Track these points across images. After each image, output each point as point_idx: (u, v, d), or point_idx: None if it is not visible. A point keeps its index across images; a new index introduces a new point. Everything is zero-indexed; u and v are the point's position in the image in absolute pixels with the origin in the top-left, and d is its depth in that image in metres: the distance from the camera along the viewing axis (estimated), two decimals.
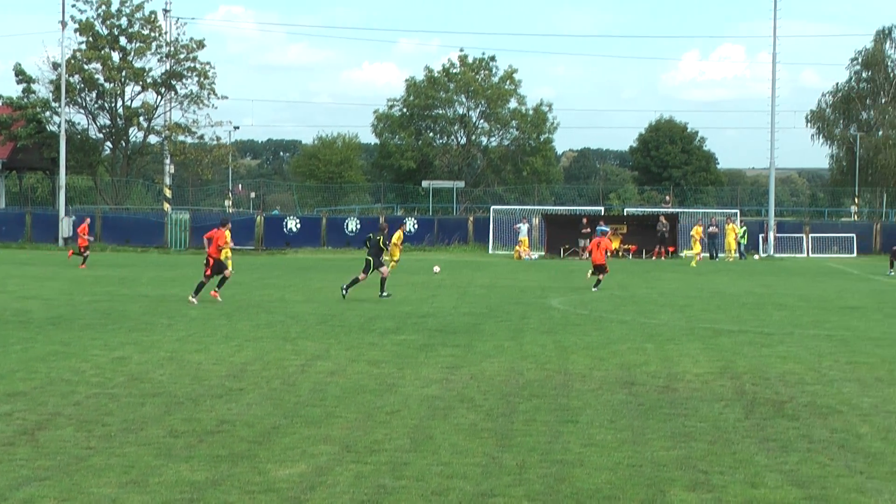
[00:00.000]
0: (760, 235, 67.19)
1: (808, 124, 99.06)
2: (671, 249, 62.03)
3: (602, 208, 71.56)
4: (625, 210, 74.53)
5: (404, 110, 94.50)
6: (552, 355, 19.29)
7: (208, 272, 29.43)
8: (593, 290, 34.65)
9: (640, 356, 19.27)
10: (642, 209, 75.09)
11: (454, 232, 68.95)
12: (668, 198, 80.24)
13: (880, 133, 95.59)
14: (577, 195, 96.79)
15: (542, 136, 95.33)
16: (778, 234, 66.57)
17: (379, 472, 10.84)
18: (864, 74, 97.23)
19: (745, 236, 63.71)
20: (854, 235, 67.38)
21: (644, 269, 49.30)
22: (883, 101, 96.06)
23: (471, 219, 70.98)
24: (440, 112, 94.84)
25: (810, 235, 66.89)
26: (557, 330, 23.32)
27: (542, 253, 61.96)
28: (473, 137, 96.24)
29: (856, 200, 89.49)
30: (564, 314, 27.04)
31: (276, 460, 11.30)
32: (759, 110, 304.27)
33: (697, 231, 57.86)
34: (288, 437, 12.37)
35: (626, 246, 63.45)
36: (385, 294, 31.26)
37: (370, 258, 31.37)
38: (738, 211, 70.33)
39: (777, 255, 64.07)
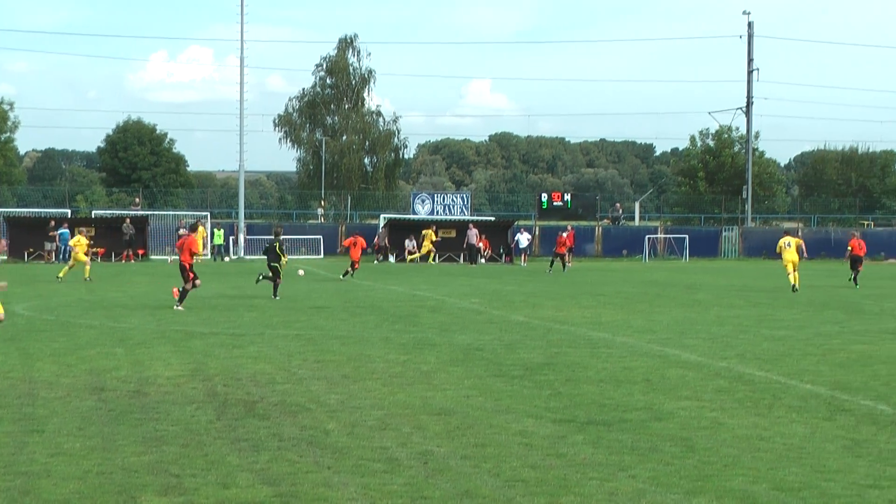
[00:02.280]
0: (231, 238, 68.00)
1: (277, 128, 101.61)
2: (141, 252, 61.69)
3: (69, 210, 69.72)
4: (93, 212, 72.98)
5: None
6: (16, 363, 18.48)
7: (192, 276, 29.87)
8: (341, 278, 43.29)
9: (110, 361, 18.87)
10: (111, 211, 73.85)
11: None
12: (137, 200, 79.35)
13: (344, 138, 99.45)
14: (42, 197, 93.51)
15: (2, 136, 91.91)
16: (248, 237, 67.64)
17: None
18: (328, 80, 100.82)
19: (222, 238, 64.59)
20: (321, 237, 69.79)
21: (113, 273, 48.54)
22: (346, 106, 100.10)
23: None
24: None
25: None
26: (22, 337, 22.38)
27: (5, 257, 59.44)
28: None
29: (322, 203, 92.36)
30: (29, 320, 26.02)
31: None
32: (228, 113, 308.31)
33: (430, 234, 65.62)
34: None
35: (94, 249, 62.31)
36: (277, 297, 32.91)
37: (275, 265, 33.25)
38: (208, 213, 70.80)
39: (248, 258, 64.94)
